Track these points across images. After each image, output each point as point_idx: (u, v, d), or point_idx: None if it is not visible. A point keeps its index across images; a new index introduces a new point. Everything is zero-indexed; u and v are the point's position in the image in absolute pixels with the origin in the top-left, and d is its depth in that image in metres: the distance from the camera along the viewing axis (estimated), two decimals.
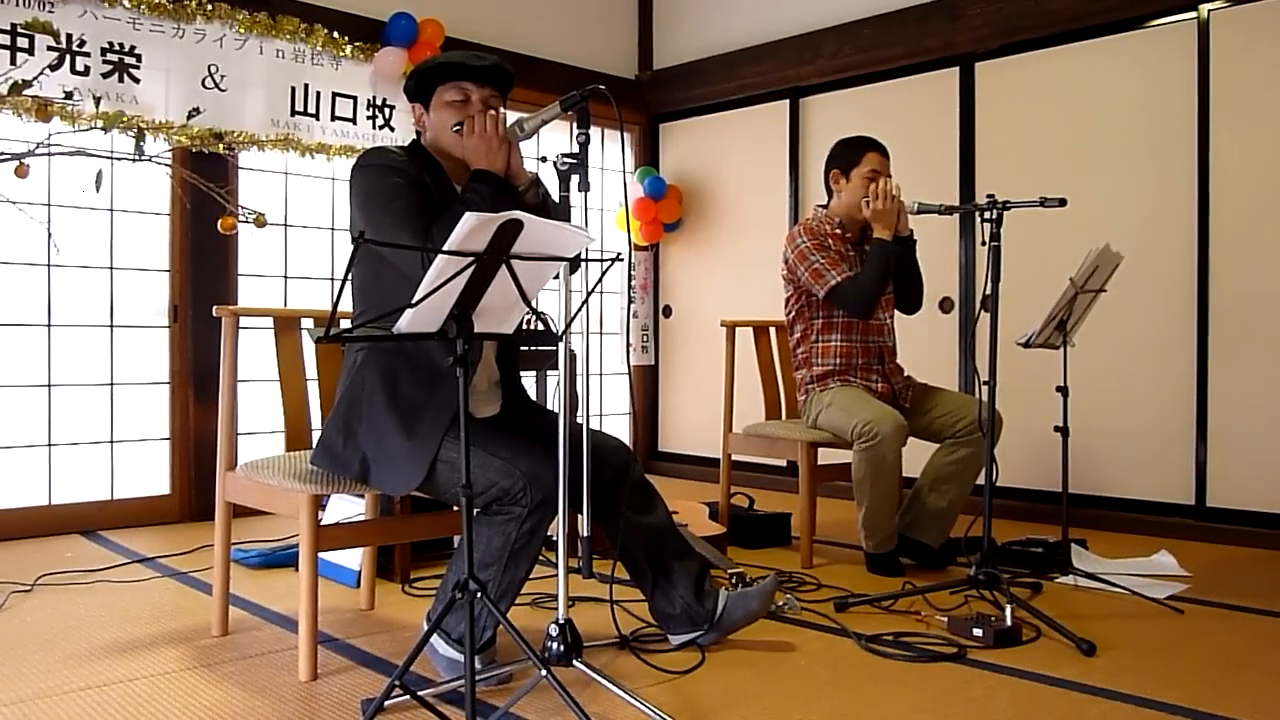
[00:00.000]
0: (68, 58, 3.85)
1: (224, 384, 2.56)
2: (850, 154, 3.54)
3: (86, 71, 3.89)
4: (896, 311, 3.65)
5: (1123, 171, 4.26)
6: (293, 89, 4.48)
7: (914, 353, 4.04)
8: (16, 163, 3.24)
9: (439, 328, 1.85)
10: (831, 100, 5.25)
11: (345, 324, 2.49)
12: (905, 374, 3.61)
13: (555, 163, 2.18)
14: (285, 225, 4.66)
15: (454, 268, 1.76)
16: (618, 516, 2.42)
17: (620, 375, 6.03)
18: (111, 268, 4.18)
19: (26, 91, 3.39)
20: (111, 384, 4.20)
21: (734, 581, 2.86)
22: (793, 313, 3.63)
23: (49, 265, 4.02)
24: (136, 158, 3.52)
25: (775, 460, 4.89)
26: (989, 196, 2.92)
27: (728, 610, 2.50)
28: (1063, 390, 3.32)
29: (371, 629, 2.72)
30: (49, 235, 3.90)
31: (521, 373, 2.60)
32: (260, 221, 3.90)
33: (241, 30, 4.30)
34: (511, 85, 2.47)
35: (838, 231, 3.56)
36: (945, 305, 4.76)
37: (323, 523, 2.38)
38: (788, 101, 5.41)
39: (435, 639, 2.26)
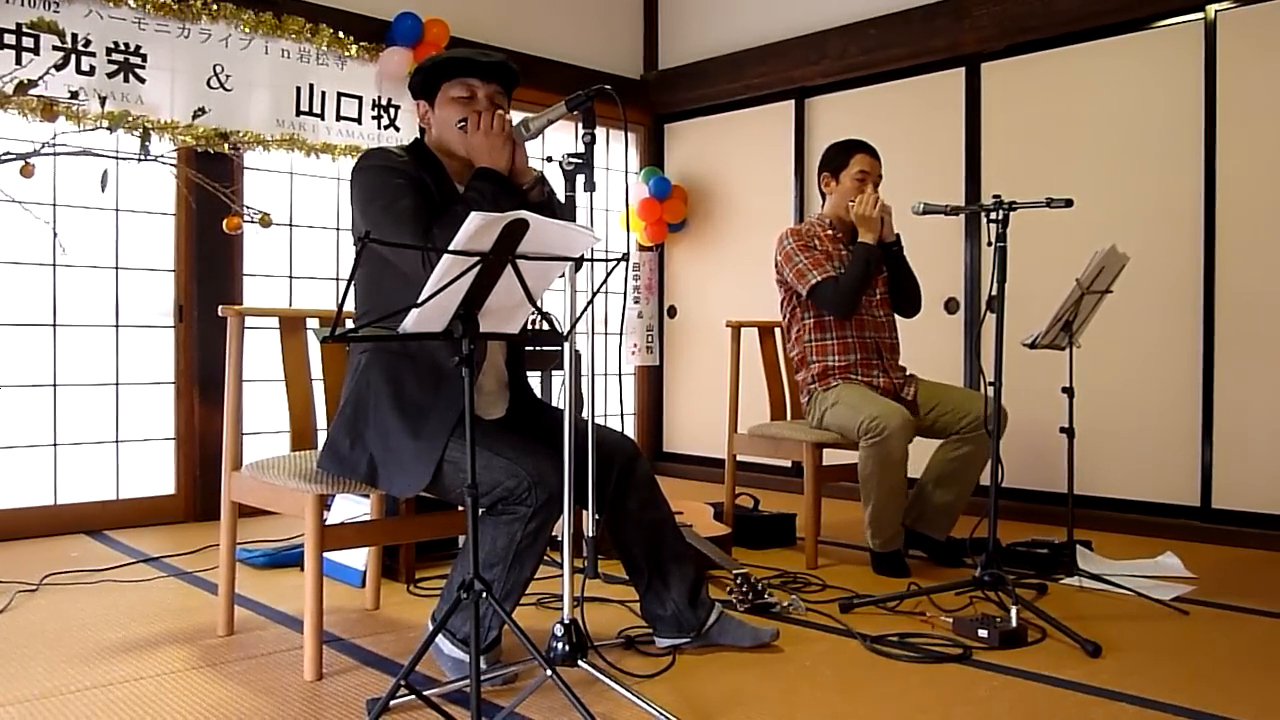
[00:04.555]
0: (73, 57, 3.85)
1: (229, 384, 2.56)
2: (840, 157, 3.59)
3: (92, 71, 3.90)
4: (896, 316, 3.66)
5: (1129, 172, 4.25)
6: (298, 89, 4.48)
7: (919, 353, 4.03)
8: (22, 163, 3.24)
9: (444, 327, 1.85)
10: (837, 101, 5.25)
11: (350, 324, 2.49)
12: (907, 371, 3.61)
13: (561, 162, 2.18)
14: (290, 225, 4.66)
15: (459, 267, 1.76)
16: (620, 510, 2.41)
17: (627, 375, 6.02)
18: (117, 268, 4.18)
19: (32, 91, 3.40)
20: (117, 384, 4.20)
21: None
22: (786, 315, 3.65)
23: (54, 265, 4.02)
24: (142, 158, 3.53)
25: (780, 461, 4.88)
26: (995, 197, 2.92)
27: (719, 627, 2.50)
28: (1068, 391, 3.31)
29: (377, 629, 2.72)
30: (54, 235, 3.90)
31: (528, 373, 2.60)
32: (265, 221, 3.91)
33: (246, 30, 4.30)
34: (517, 83, 2.46)
35: (828, 232, 3.58)
36: (951, 306, 4.75)
37: (328, 523, 2.38)
38: (793, 102, 5.40)
39: (440, 639, 2.26)
